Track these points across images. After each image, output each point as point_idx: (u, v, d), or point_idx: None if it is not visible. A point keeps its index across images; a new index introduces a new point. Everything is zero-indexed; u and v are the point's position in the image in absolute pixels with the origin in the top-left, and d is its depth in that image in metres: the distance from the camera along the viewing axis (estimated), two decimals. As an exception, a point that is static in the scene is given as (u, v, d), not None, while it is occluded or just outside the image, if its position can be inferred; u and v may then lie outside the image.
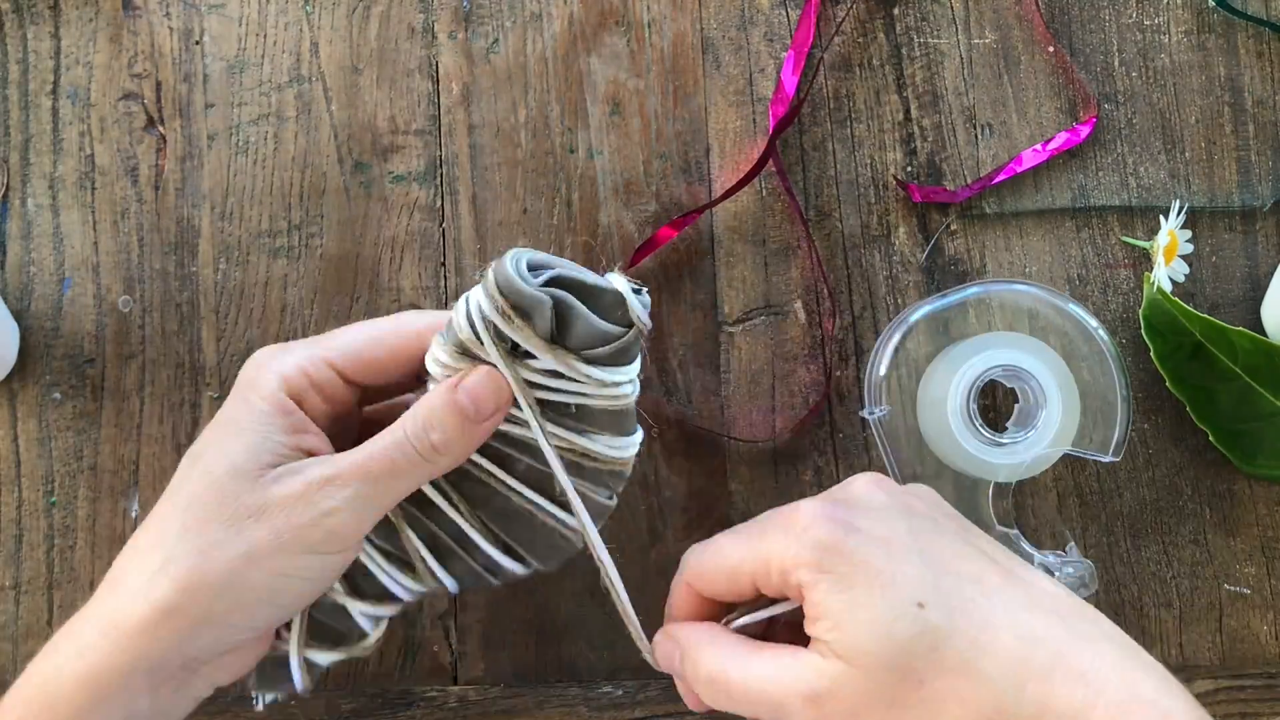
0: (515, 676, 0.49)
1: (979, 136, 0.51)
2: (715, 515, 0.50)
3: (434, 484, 0.40)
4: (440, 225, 0.51)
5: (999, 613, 0.35)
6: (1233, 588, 0.50)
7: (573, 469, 0.40)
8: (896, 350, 0.48)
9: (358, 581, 0.41)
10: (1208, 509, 0.50)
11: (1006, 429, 0.49)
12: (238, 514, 0.37)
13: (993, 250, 0.51)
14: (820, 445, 0.50)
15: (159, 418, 0.50)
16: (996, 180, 0.50)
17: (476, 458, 0.40)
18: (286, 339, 0.50)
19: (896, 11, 0.51)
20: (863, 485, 0.39)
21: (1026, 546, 0.48)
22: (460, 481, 0.40)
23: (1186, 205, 0.50)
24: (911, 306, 0.48)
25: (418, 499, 0.40)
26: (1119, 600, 0.50)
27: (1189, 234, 0.50)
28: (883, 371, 0.48)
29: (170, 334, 0.50)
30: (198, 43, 0.51)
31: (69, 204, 0.51)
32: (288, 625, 0.41)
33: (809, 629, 0.36)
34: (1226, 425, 0.48)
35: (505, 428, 0.40)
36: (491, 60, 0.51)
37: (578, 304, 0.37)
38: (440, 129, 0.51)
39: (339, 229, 0.51)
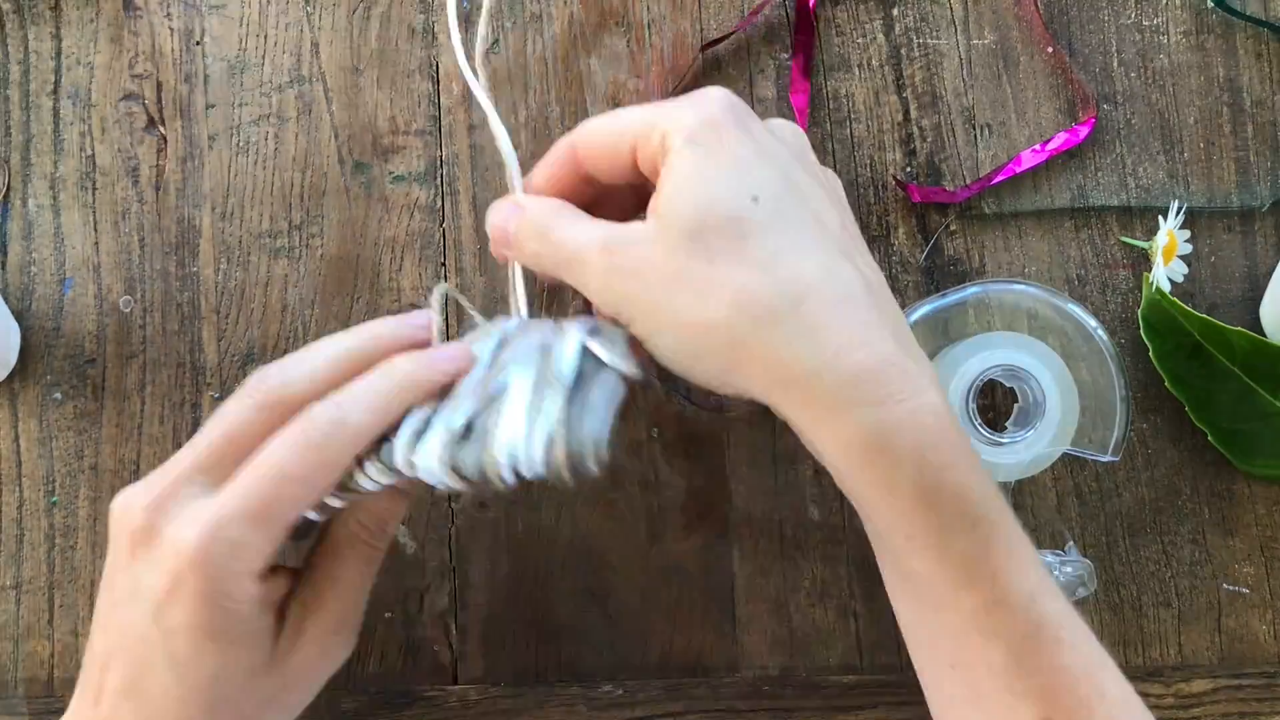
0: (515, 676, 0.49)
1: (978, 137, 0.51)
2: (715, 515, 0.50)
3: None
4: (440, 225, 0.51)
5: (822, 270, 0.35)
6: (1231, 587, 0.50)
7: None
8: (896, 350, 0.48)
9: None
10: (1206, 509, 0.50)
11: (1006, 429, 0.49)
12: (261, 702, 0.38)
13: (992, 250, 0.51)
14: (820, 445, 0.50)
15: (160, 418, 0.50)
16: (996, 180, 0.50)
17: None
18: (287, 339, 0.50)
19: (896, 12, 0.51)
20: (783, 121, 0.40)
21: (1026, 546, 0.48)
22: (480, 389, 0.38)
23: (1185, 205, 0.50)
24: (911, 306, 0.49)
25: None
26: (1118, 600, 0.50)
27: (1188, 234, 0.50)
28: (882, 371, 0.48)
29: (171, 334, 0.50)
30: (198, 43, 0.51)
31: (70, 204, 0.51)
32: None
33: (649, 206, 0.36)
34: (1225, 425, 0.48)
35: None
36: (491, 60, 0.51)
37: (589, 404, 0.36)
38: (440, 129, 0.51)
39: (339, 229, 0.51)
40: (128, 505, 0.36)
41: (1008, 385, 0.49)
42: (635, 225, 0.36)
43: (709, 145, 0.35)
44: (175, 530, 0.35)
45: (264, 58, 0.51)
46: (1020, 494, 0.50)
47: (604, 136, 0.38)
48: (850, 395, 0.33)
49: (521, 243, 0.39)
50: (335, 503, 0.38)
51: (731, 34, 0.51)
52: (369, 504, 0.39)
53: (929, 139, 0.51)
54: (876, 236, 0.51)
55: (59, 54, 0.51)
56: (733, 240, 0.34)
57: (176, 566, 0.35)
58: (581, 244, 0.37)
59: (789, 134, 0.39)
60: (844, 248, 0.36)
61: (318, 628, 0.38)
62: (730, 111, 0.36)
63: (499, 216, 0.40)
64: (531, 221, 0.39)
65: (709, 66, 0.51)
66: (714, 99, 0.37)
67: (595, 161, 0.39)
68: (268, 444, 0.36)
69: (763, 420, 0.50)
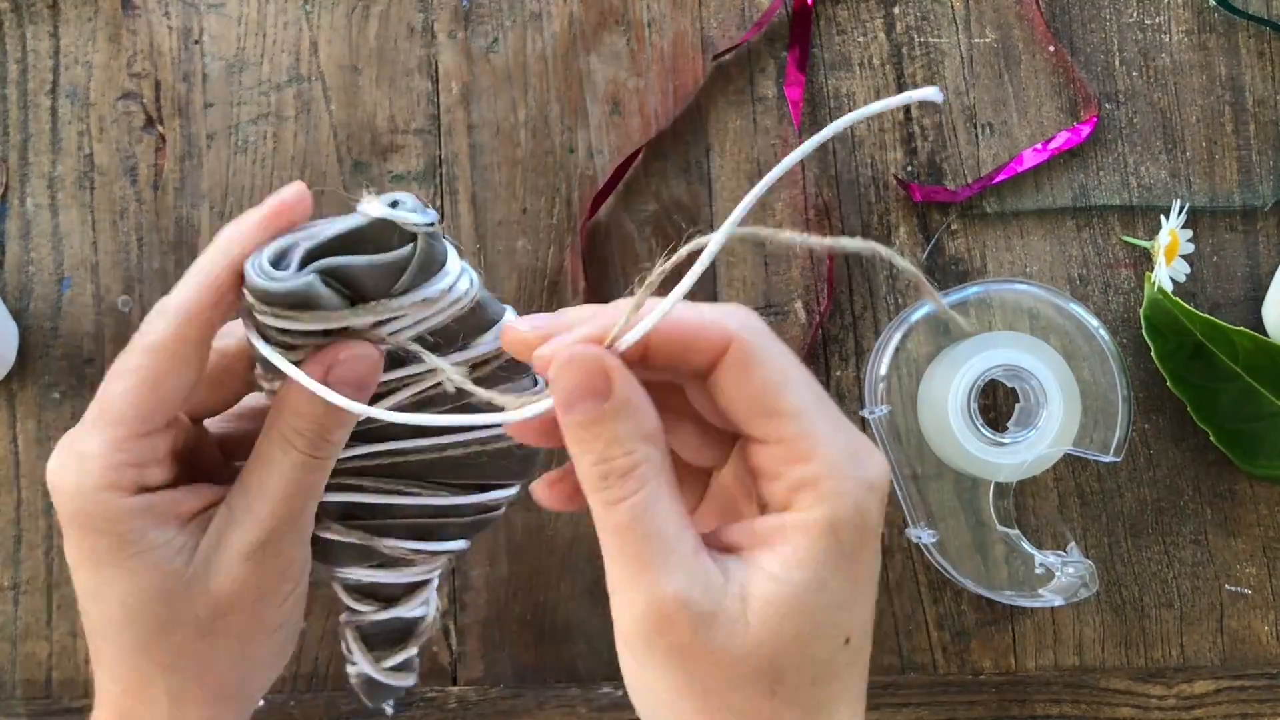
0: (515, 677, 0.49)
1: (979, 136, 0.51)
2: (715, 515, 0.50)
3: (381, 488, 0.38)
4: (440, 225, 0.51)
5: None
6: (1234, 588, 0.50)
7: (481, 383, 0.35)
8: (896, 350, 0.48)
9: (380, 593, 0.40)
10: (1209, 509, 0.50)
11: (1007, 429, 0.49)
12: (199, 629, 0.34)
13: (993, 250, 0.51)
14: (820, 445, 0.50)
15: (158, 418, 0.50)
16: (997, 180, 0.50)
17: (401, 444, 0.37)
18: (286, 339, 0.50)
19: (897, 10, 0.51)
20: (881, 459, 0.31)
21: (1027, 547, 0.48)
22: (395, 470, 0.38)
23: (1187, 205, 0.50)
24: (911, 306, 0.48)
25: (370, 509, 0.38)
26: (1119, 600, 0.50)
27: (1190, 234, 0.50)
28: (883, 371, 0.48)
29: (169, 334, 0.50)
30: (197, 42, 0.51)
31: (68, 204, 0.51)
32: (353, 648, 0.40)
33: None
34: (1227, 425, 0.48)
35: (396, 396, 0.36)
36: (491, 60, 0.51)
37: (347, 260, 0.32)
38: (440, 128, 0.51)
39: (338, 229, 0.51)
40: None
41: (1009, 385, 0.49)
42: (726, 598, 0.28)
43: (841, 558, 0.28)
44: (49, 471, 0.33)
45: (263, 57, 0.51)
46: (1022, 494, 0.50)
47: (760, 395, 0.29)
48: None
49: (585, 469, 0.29)
50: (269, 386, 0.35)
51: (740, 44, 0.51)
52: (300, 405, 0.33)
53: (930, 138, 0.51)
54: (877, 236, 0.51)
55: (57, 53, 0.51)
56: (803, 682, 0.29)
57: (54, 501, 0.33)
58: (670, 564, 0.28)
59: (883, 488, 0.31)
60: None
61: (242, 540, 0.33)
62: (883, 511, 0.29)
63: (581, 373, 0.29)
64: (624, 464, 0.29)
65: (709, 66, 0.51)
66: (883, 488, 0.29)
67: (727, 397, 0.30)
68: None
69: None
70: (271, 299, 0.31)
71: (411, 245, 0.33)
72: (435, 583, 0.41)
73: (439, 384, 0.35)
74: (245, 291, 0.32)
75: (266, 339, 0.33)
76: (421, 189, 0.51)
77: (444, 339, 0.35)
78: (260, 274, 0.31)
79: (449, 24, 0.51)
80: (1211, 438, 0.48)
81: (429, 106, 0.51)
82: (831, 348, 0.50)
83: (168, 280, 0.50)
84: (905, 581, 0.50)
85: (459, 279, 0.35)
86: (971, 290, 0.48)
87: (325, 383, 0.32)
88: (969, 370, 0.47)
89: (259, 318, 0.32)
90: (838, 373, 0.50)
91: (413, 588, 0.40)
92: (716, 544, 0.30)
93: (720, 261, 0.51)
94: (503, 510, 0.40)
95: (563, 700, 0.49)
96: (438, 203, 0.51)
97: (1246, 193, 0.51)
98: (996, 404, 0.50)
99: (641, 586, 0.29)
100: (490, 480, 0.39)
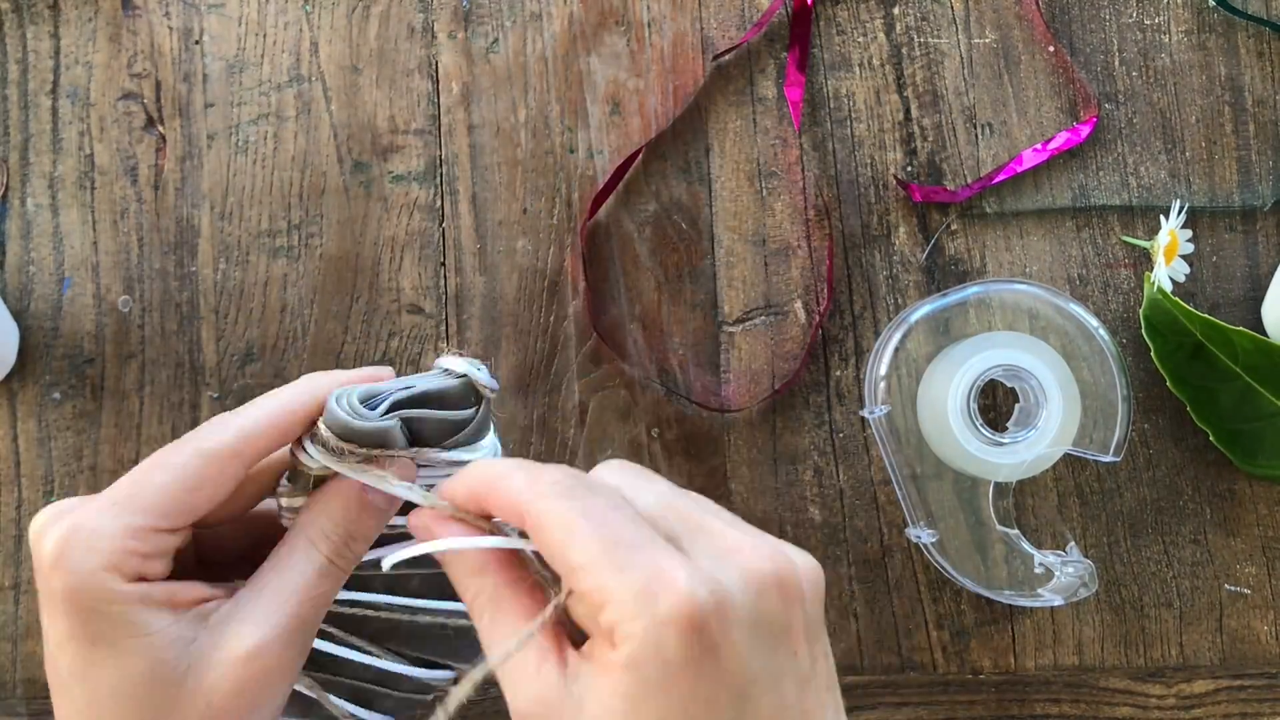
0: (515, 676, 0.49)
1: (979, 136, 0.51)
2: (715, 515, 0.50)
3: (335, 638, 0.39)
4: (440, 225, 0.51)
5: None
6: (1233, 588, 0.50)
7: None
8: (896, 350, 0.48)
9: None
10: (1208, 509, 0.50)
11: (1007, 429, 0.49)
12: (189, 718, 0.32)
13: (993, 250, 0.51)
14: (820, 445, 0.50)
15: (159, 418, 0.50)
16: (997, 180, 0.50)
17: (376, 598, 0.39)
18: (286, 339, 0.50)
19: (896, 11, 0.51)
20: (776, 592, 0.31)
21: (1026, 546, 0.48)
22: (361, 625, 0.39)
23: (1187, 205, 0.50)
24: (911, 306, 0.48)
25: (325, 659, 0.39)
26: (1119, 600, 0.50)
27: (1189, 234, 0.50)
28: (883, 371, 0.48)
29: (170, 334, 0.50)
30: (197, 42, 0.51)
31: (68, 204, 0.51)
32: None
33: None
34: (1227, 425, 0.48)
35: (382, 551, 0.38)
36: (491, 60, 0.51)
37: (424, 412, 0.36)
38: (440, 129, 0.51)
39: (339, 229, 0.51)
40: (33, 523, 0.33)
41: (1009, 385, 0.49)
42: (564, 712, 0.30)
43: (650, 694, 0.28)
44: (45, 537, 0.32)
45: (263, 57, 0.51)
46: (1021, 494, 0.50)
47: (554, 555, 0.30)
48: None
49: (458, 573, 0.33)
50: (288, 501, 0.36)
51: (740, 45, 0.51)
52: (333, 510, 0.35)
53: (930, 138, 0.51)
54: (877, 236, 0.51)
55: (58, 53, 0.51)
56: None
57: (45, 575, 0.32)
58: (514, 679, 0.32)
59: (774, 606, 0.30)
60: None
61: (248, 638, 0.33)
62: (692, 642, 0.28)
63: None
64: (475, 586, 0.33)
65: (709, 66, 0.51)
66: (682, 619, 0.28)
67: (546, 548, 0.31)
68: None
69: (762, 420, 0.50)
70: (353, 435, 0.34)
71: (474, 409, 0.37)
72: None
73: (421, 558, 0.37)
74: (320, 424, 0.34)
75: (309, 455, 0.35)
76: (422, 189, 0.51)
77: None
78: (349, 411, 0.34)
79: (449, 24, 0.51)
80: (1211, 437, 0.48)
81: (429, 107, 0.51)
82: (831, 348, 0.50)
83: (168, 280, 0.50)
84: (905, 581, 0.50)
85: (494, 451, 0.39)
86: (971, 290, 0.48)
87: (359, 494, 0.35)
88: (969, 370, 0.47)
89: (321, 444, 0.35)
90: (838, 373, 0.50)
91: None
92: (580, 650, 0.32)
93: (720, 262, 0.51)
94: (429, 699, 0.40)
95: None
96: (438, 203, 0.51)
97: (1246, 193, 0.51)
98: (996, 404, 0.50)
99: (506, 697, 0.33)
100: (439, 659, 0.40)
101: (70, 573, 0.32)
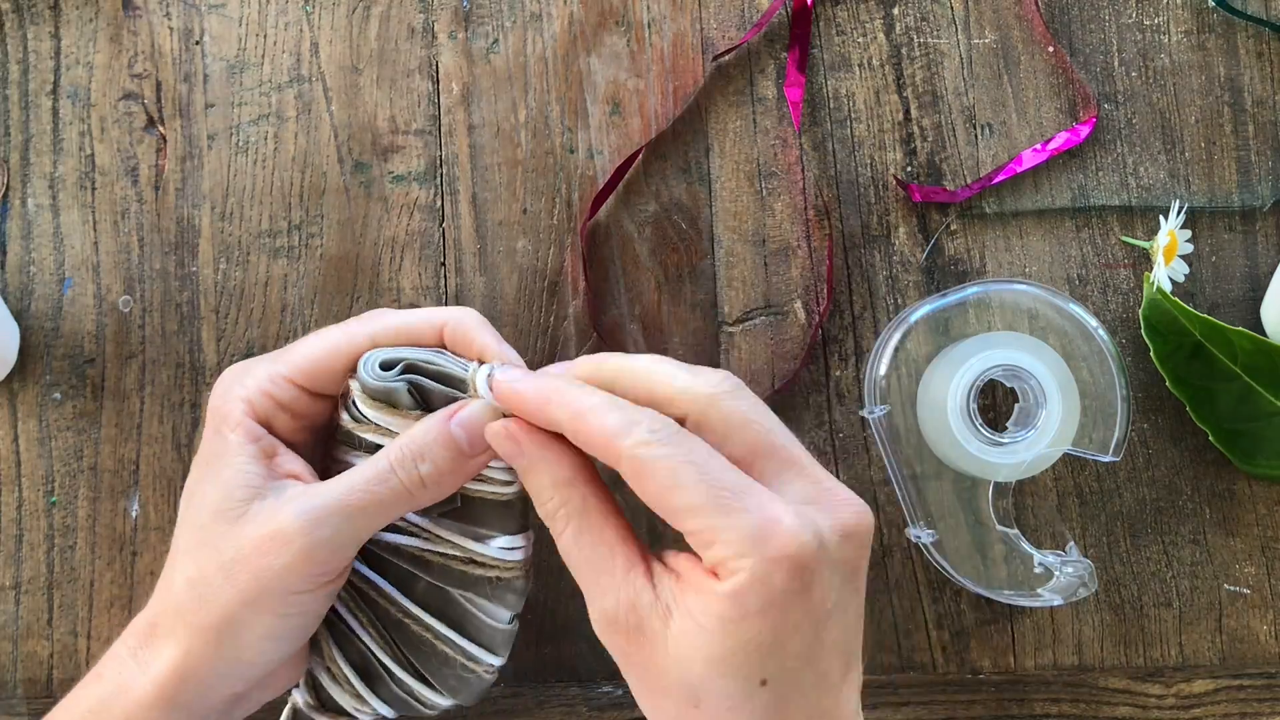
0: (515, 676, 0.49)
1: (979, 136, 0.51)
2: (715, 515, 0.50)
3: (352, 610, 0.41)
4: (440, 225, 0.51)
5: None
6: (1232, 588, 0.50)
7: (465, 580, 0.40)
8: (896, 350, 0.48)
9: (322, 697, 0.42)
10: (1207, 509, 0.50)
11: (1006, 429, 0.49)
12: (224, 561, 0.37)
13: (993, 250, 0.51)
14: (820, 445, 0.50)
15: (159, 418, 0.50)
16: (998, 180, 0.50)
17: (379, 580, 0.41)
18: (286, 338, 0.50)
19: (896, 11, 0.51)
20: (855, 528, 0.35)
21: (1026, 546, 0.48)
22: (373, 606, 0.41)
23: (1186, 205, 0.50)
24: (911, 306, 0.48)
25: (340, 626, 0.41)
26: (1119, 600, 0.50)
27: (1189, 234, 0.50)
28: (883, 371, 0.48)
29: (170, 334, 0.50)
30: (198, 43, 0.51)
31: (69, 204, 0.51)
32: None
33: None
34: (1226, 425, 0.48)
35: (401, 539, 0.40)
36: (491, 60, 0.51)
37: (430, 383, 0.39)
38: (440, 129, 0.51)
39: (339, 229, 0.51)
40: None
41: (1008, 385, 0.49)
42: (653, 617, 0.34)
43: (748, 619, 0.32)
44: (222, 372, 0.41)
45: (263, 57, 0.51)
46: (1021, 494, 0.50)
47: (657, 500, 0.34)
48: None
49: (546, 504, 0.36)
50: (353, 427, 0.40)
51: (740, 45, 0.51)
52: (413, 430, 0.38)
53: (929, 138, 0.51)
54: (877, 236, 0.51)
55: (58, 53, 0.51)
56: (721, 709, 0.33)
57: (211, 400, 0.40)
58: (602, 584, 0.35)
59: (850, 554, 0.35)
60: None
61: (308, 504, 0.36)
62: (796, 579, 0.33)
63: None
64: (565, 511, 0.36)
65: (709, 66, 0.51)
66: (790, 560, 0.32)
67: (641, 496, 0.34)
68: None
69: (763, 420, 0.50)
70: (366, 389, 0.39)
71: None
72: None
73: (433, 560, 0.41)
74: (351, 381, 0.40)
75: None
76: (422, 189, 0.51)
77: (463, 514, 0.41)
78: (369, 371, 0.39)
79: (449, 25, 0.51)
80: (1210, 437, 0.48)
81: (429, 107, 0.51)
82: (831, 348, 0.50)
83: (169, 280, 0.50)
84: (904, 581, 0.50)
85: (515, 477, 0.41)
86: (971, 290, 0.48)
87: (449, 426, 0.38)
88: (968, 370, 0.47)
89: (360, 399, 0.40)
90: (837, 373, 0.50)
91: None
92: (663, 564, 0.35)
93: (720, 262, 0.51)
94: (430, 714, 0.42)
95: (563, 699, 0.49)
96: (438, 203, 0.51)
97: (1245, 193, 0.51)
98: (996, 404, 0.50)
99: (589, 600, 0.36)
100: (428, 676, 0.41)
101: (220, 395, 0.40)
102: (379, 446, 0.39)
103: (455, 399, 0.39)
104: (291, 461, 0.39)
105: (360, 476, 0.37)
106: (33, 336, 0.50)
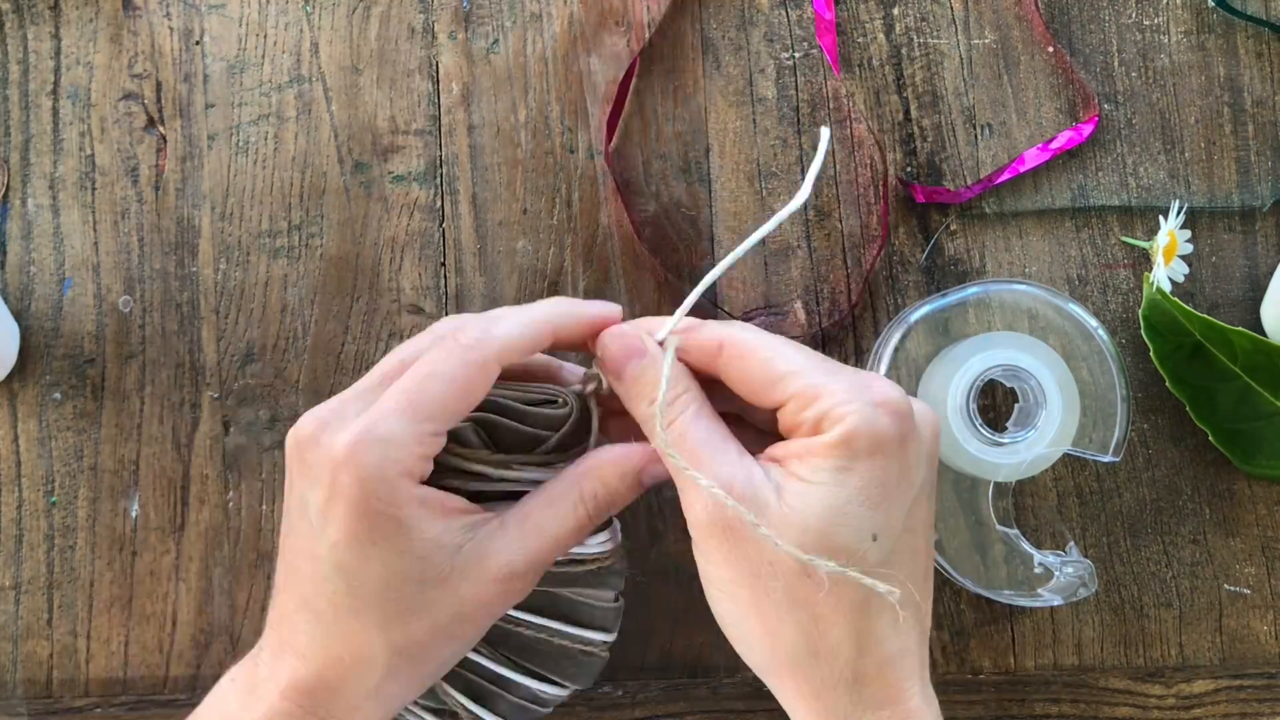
0: (515, 676, 0.49)
1: (979, 137, 0.51)
2: (715, 515, 0.50)
3: None
4: (440, 225, 0.51)
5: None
6: (1232, 588, 0.50)
7: (567, 579, 0.41)
8: (896, 350, 0.48)
9: None
10: (1207, 509, 0.50)
11: (1006, 429, 0.49)
12: (442, 623, 0.36)
13: (992, 250, 0.51)
14: (820, 445, 0.50)
15: (159, 418, 0.50)
16: (1000, 180, 0.50)
17: None
18: (286, 339, 0.50)
19: (896, 11, 0.51)
20: (928, 414, 0.39)
21: (1026, 546, 0.48)
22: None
23: (1186, 205, 0.50)
24: (911, 306, 0.48)
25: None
26: (1119, 600, 0.50)
27: (1188, 234, 0.50)
28: (883, 371, 0.48)
29: (170, 334, 0.50)
30: (198, 43, 0.51)
31: (69, 204, 0.51)
32: None
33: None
34: (1226, 425, 0.48)
35: None
36: (491, 60, 0.51)
37: (501, 419, 0.39)
38: (440, 129, 0.51)
39: (339, 229, 0.51)
40: (298, 426, 0.37)
41: (1008, 385, 0.49)
42: (765, 489, 0.35)
43: (858, 462, 0.35)
44: (330, 437, 0.35)
45: (263, 57, 0.51)
46: (1021, 494, 0.50)
47: (760, 371, 0.37)
48: None
49: (642, 410, 0.38)
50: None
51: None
52: (609, 479, 0.38)
53: (929, 139, 0.51)
54: (877, 236, 0.51)
55: (58, 53, 0.51)
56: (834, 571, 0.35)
57: (332, 472, 0.35)
58: (717, 461, 0.36)
59: (929, 436, 0.38)
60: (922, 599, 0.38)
61: (506, 563, 0.36)
62: (897, 424, 0.36)
63: (633, 355, 0.39)
64: (673, 413, 0.37)
65: (709, 66, 0.51)
66: (891, 404, 0.36)
67: (740, 384, 0.38)
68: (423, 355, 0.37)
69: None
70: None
71: (549, 433, 0.39)
72: None
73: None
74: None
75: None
76: (422, 189, 0.51)
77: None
78: None
79: (449, 25, 0.51)
80: (1210, 437, 0.48)
81: (429, 107, 0.51)
82: (831, 348, 0.50)
83: (169, 280, 0.50)
84: (905, 581, 0.50)
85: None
86: (971, 290, 0.48)
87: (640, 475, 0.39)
88: (968, 370, 0.47)
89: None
90: (837, 373, 0.50)
91: None
92: (761, 457, 0.37)
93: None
94: (548, 711, 0.42)
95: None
96: (438, 203, 0.51)
97: (1245, 193, 0.51)
98: (996, 404, 0.50)
99: (691, 497, 0.37)
100: (547, 673, 0.41)
101: (364, 476, 0.34)
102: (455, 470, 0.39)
103: (523, 433, 0.39)
104: (448, 498, 0.37)
105: (558, 526, 0.38)
106: (33, 336, 0.50)
